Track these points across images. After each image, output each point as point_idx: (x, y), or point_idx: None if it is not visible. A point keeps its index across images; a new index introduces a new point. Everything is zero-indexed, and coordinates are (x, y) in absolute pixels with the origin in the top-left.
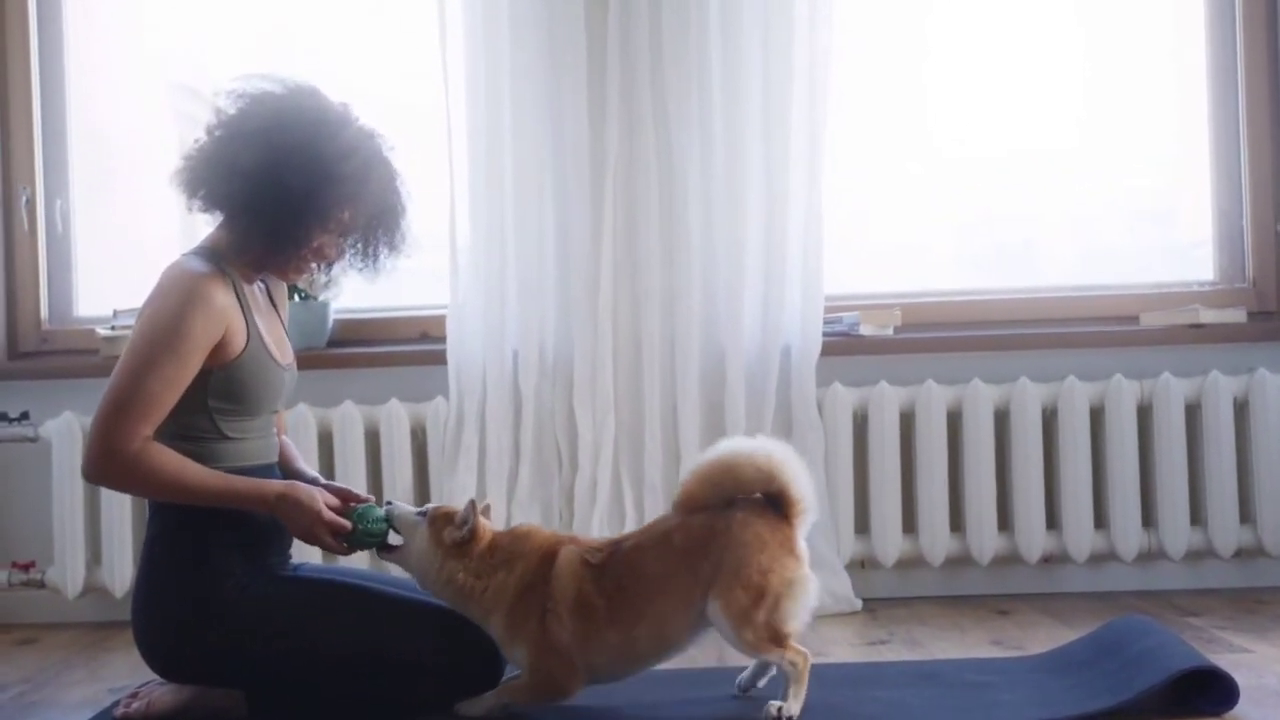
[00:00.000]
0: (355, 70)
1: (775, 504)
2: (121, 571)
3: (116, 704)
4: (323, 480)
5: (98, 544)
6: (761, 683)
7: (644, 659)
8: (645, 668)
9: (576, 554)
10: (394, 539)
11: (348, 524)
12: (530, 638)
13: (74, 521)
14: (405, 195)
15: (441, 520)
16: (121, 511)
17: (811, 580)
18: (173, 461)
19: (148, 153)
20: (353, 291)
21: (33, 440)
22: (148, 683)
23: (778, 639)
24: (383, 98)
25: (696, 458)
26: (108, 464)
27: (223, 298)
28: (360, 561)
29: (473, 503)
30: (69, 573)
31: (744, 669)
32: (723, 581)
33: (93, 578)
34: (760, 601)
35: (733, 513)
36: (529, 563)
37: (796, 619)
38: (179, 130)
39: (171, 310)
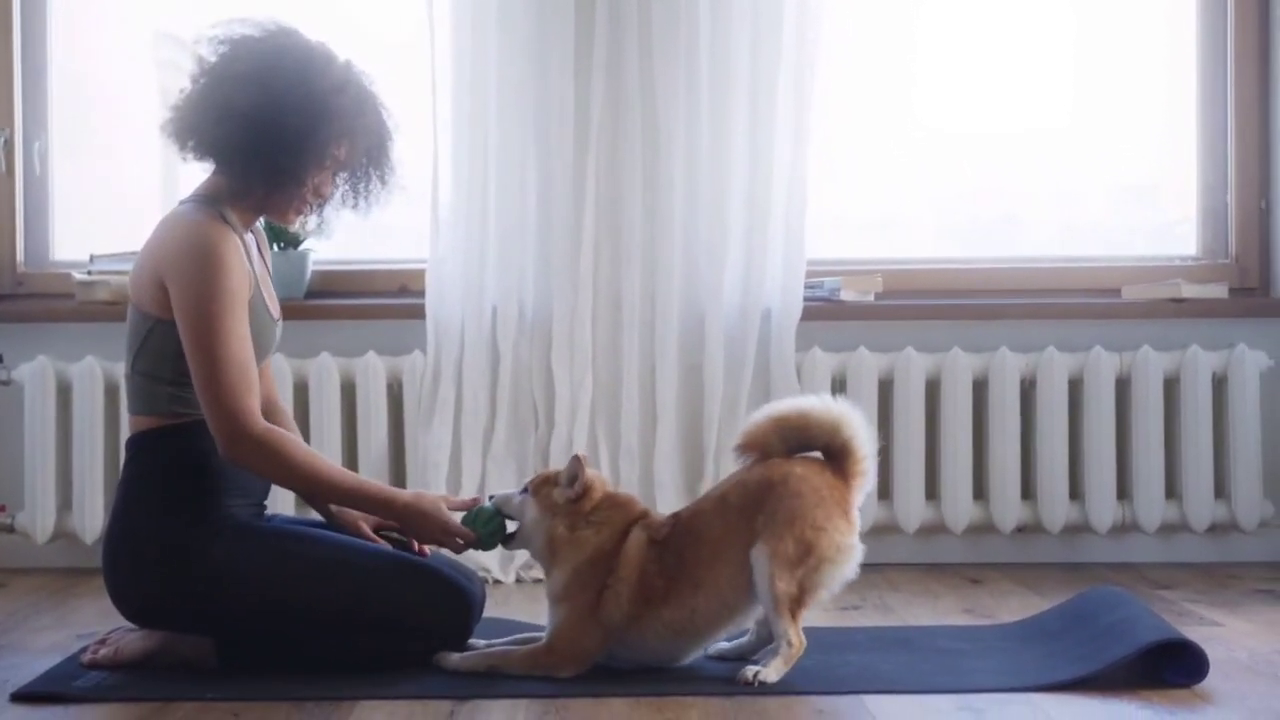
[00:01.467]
0: (338, 23)
1: (836, 461)
2: (92, 517)
3: (84, 650)
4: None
5: (69, 489)
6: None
7: (703, 631)
8: (704, 642)
9: (645, 533)
10: (510, 527)
11: (472, 534)
12: (579, 606)
13: (45, 466)
14: (393, 126)
15: (545, 485)
16: (94, 458)
17: (858, 550)
18: (306, 456)
19: (129, 98)
20: (335, 241)
21: (5, 384)
22: (116, 629)
23: (798, 605)
24: (367, 50)
25: (762, 408)
26: (243, 449)
27: (234, 244)
28: None
29: (578, 458)
30: (39, 517)
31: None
32: (774, 529)
33: (63, 523)
34: (806, 558)
35: (791, 466)
36: (613, 531)
37: (829, 588)
38: (161, 78)
39: (206, 276)
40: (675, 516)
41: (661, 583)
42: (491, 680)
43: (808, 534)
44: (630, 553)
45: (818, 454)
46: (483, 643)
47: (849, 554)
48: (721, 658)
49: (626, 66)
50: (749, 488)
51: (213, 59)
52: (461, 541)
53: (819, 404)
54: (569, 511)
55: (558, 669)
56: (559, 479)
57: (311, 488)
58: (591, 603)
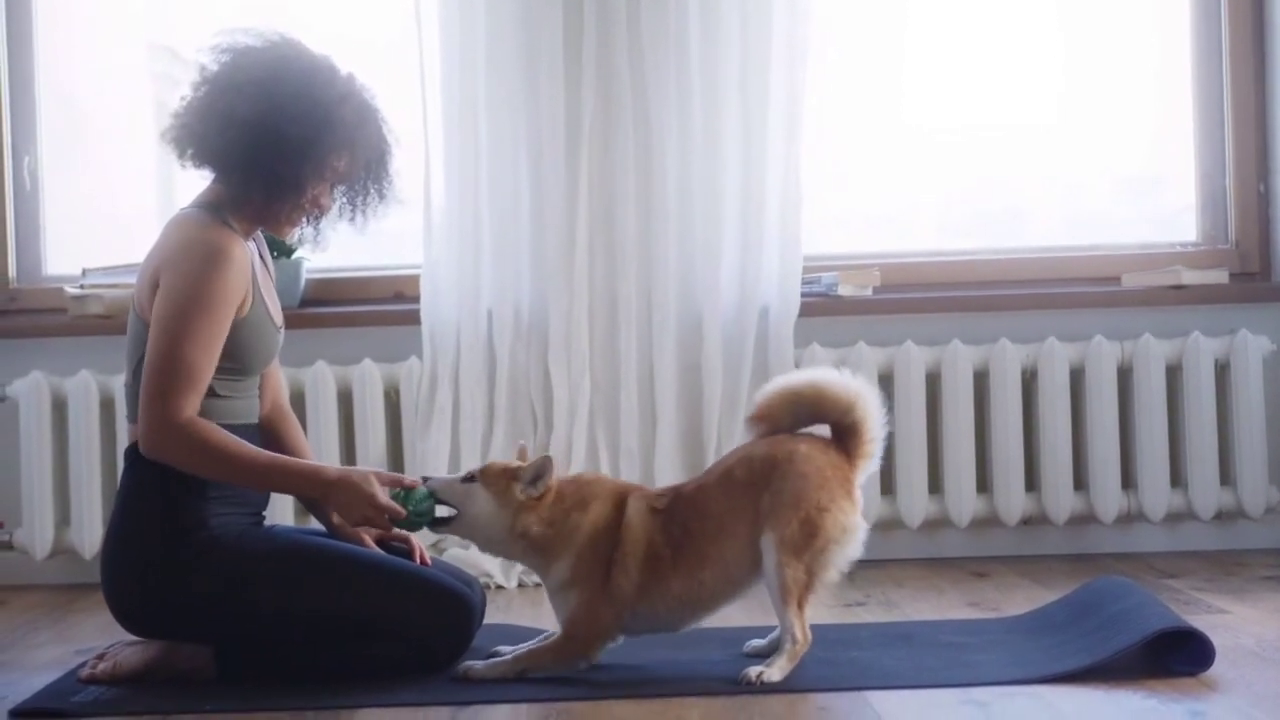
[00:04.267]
0: (329, 28)
1: (842, 440)
2: (91, 533)
3: (83, 665)
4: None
5: (66, 505)
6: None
7: (709, 603)
8: (709, 613)
9: (644, 503)
10: (442, 511)
11: (402, 510)
12: (591, 585)
13: (43, 482)
14: (393, 141)
15: (502, 478)
16: (90, 472)
17: (862, 529)
18: (227, 438)
19: (120, 112)
20: (332, 248)
21: (0, 400)
22: (114, 644)
23: (806, 592)
24: (357, 56)
25: (776, 379)
26: (163, 438)
27: (242, 254)
28: None
29: (548, 458)
30: (37, 534)
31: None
32: (780, 514)
33: (61, 539)
34: (812, 540)
35: (796, 444)
36: (602, 506)
37: (837, 569)
38: (155, 91)
39: (199, 272)
40: (675, 489)
41: (669, 553)
42: (496, 686)
43: (813, 515)
44: (634, 524)
45: (825, 429)
46: (508, 649)
47: (853, 533)
48: (757, 654)
49: (616, 64)
50: (754, 464)
51: (215, 68)
52: (389, 519)
53: (835, 381)
54: (532, 506)
55: (582, 652)
56: (518, 474)
57: (236, 471)
58: (600, 580)
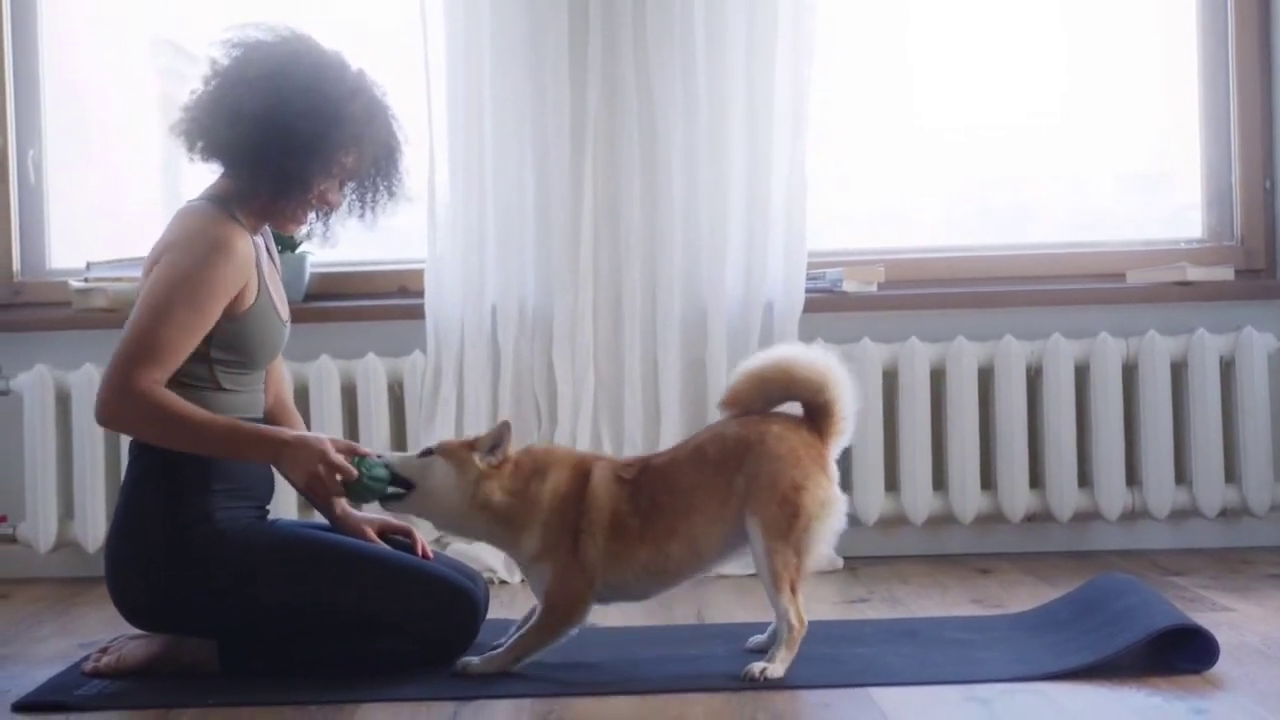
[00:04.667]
0: (334, 28)
1: (814, 419)
2: (94, 526)
3: (86, 659)
4: None
5: (70, 498)
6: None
7: (676, 575)
8: (676, 585)
9: (610, 471)
10: (393, 489)
11: (353, 470)
12: (561, 555)
13: (46, 475)
14: (403, 138)
15: (461, 449)
16: (95, 466)
17: (842, 501)
18: (182, 404)
19: (124, 106)
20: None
21: (4, 394)
22: (118, 637)
23: (797, 574)
24: (361, 53)
25: (745, 362)
26: (120, 405)
27: (244, 247)
28: None
29: (506, 424)
30: (41, 527)
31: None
32: (759, 496)
33: (65, 532)
34: (794, 520)
35: (768, 425)
36: (561, 475)
37: (824, 543)
38: (162, 85)
39: (196, 258)
40: (644, 460)
41: (636, 523)
42: (496, 681)
43: (790, 495)
44: (599, 492)
45: (797, 405)
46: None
47: (832, 506)
48: (759, 649)
49: (622, 59)
50: (727, 444)
51: (225, 62)
52: (340, 479)
53: (804, 361)
54: (492, 475)
55: (566, 623)
56: (476, 444)
57: (191, 435)
58: (570, 548)
